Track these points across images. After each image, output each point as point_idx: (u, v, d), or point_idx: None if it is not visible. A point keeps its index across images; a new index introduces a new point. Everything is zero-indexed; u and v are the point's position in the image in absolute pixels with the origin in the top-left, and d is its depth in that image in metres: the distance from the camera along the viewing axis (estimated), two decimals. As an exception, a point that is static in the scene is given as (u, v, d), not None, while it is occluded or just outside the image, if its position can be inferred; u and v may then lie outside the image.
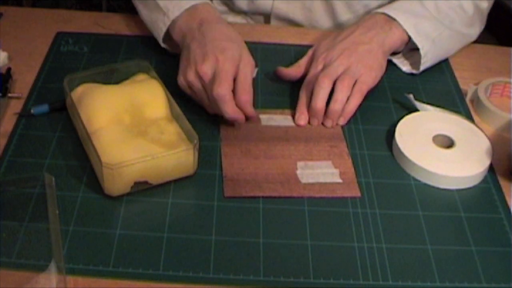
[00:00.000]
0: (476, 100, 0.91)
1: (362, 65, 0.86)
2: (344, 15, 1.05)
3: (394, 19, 0.90)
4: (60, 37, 0.98)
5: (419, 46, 0.91)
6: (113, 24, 1.03)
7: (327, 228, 0.72)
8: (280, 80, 0.92)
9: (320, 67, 0.87)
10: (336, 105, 0.84)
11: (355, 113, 0.85)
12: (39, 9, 1.09)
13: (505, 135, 0.86)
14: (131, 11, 1.03)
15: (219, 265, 0.67)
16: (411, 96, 0.88)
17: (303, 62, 0.92)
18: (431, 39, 0.92)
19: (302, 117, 0.85)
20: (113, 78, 0.85)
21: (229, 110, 0.79)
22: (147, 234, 0.69)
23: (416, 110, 0.87)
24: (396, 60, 0.97)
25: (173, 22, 0.89)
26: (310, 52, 0.92)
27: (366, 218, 0.73)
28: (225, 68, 0.79)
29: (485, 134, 0.83)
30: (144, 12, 0.95)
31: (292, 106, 0.88)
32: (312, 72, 0.87)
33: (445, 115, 0.86)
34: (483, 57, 1.03)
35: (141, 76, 0.85)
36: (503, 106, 0.89)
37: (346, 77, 0.84)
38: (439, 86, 0.95)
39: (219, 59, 0.79)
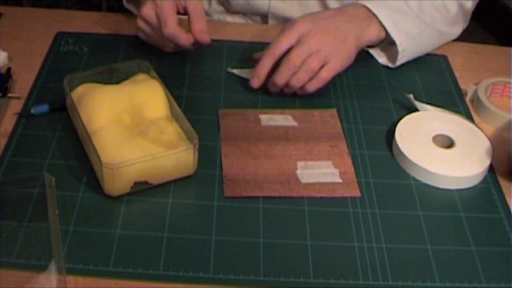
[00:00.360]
0: (476, 100, 0.91)
1: (334, 52, 0.86)
2: None
3: (374, 14, 0.91)
4: (60, 37, 0.98)
5: (397, 42, 0.92)
6: (113, 24, 1.03)
7: (327, 228, 0.72)
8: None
9: (294, 36, 0.86)
10: (296, 84, 0.86)
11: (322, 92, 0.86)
12: (39, 9, 1.09)
13: (505, 135, 0.86)
14: (131, 11, 1.03)
15: (219, 265, 0.67)
16: (411, 96, 0.88)
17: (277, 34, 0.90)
18: (411, 36, 0.93)
19: (256, 81, 0.88)
20: (113, 78, 0.85)
21: (184, 42, 0.88)
22: (147, 234, 0.69)
23: (416, 110, 0.87)
24: (373, 51, 0.98)
25: None
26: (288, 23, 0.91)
27: (366, 218, 0.73)
28: (164, 7, 0.86)
29: (485, 134, 0.83)
30: None
31: (293, 106, 0.88)
32: (283, 41, 0.86)
33: (445, 115, 0.86)
34: (483, 57, 1.03)
35: (141, 76, 0.85)
36: (503, 106, 0.89)
37: (316, 60, 0.85)
38: (439, 86, 0.95)
39: (156, 1, 0.86)
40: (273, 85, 0.87)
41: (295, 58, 0.85)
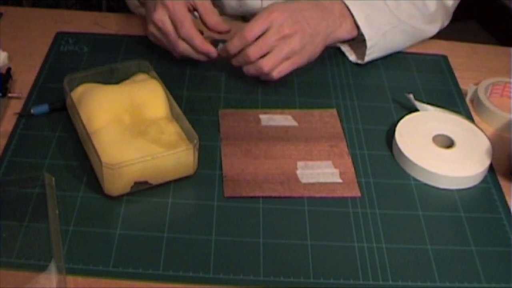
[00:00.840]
0: (476, 100, 0.91)
1: (300, 49, 0.86)
2: None
3: (348, 8, 0.90)
4: (60, 37, 0.98)
5: (367, 37, 0.91)
6: (113, 24, 1.03)
7: (327, 228, 0.72)
8: (281, 80, 0.92)
9: (266, 23, 0.85)
10: (253, 69, 0.87)
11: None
12: (39, 9, 1.09)
13: (505, 135, 0.86)
14: (131, 11, 1.03)
15: (219, 265, 0.67)
16: (411, 96, 0.88)
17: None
18: (382, 32, 0.92)
19: (223, 53, 0.88)
20: (113, 78, 0.85)
21: (199, 43, 0.86)
22: (147, 234, 0.69)
23: (416, 110, 0.87)
24: (344, 48, 0.97)
25: None
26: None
27: (366, 218, 0.73)
28: (177, 9, 0.85)
29: (485, 134, 0.83)
30: None
31: (293, 106, 0.88)
32: (256, 26, 0.85)
33: (445, 115, 0.86)
34: (483, 57, 1.03)
35: (141, 76, 0.85)
36: (503, 106, 0.89)
37: (279, 54, 0.85)
38: (439, 86, 0.95)
39: (168, 4, 0.85)
40: (224, 51, 0.88)
41: (252, 53, 0.85)
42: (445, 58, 1.01)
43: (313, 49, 0.88)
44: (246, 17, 1.08)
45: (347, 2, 0.91)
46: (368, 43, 0.92)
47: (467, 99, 0.92)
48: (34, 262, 0.65)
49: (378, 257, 0.69)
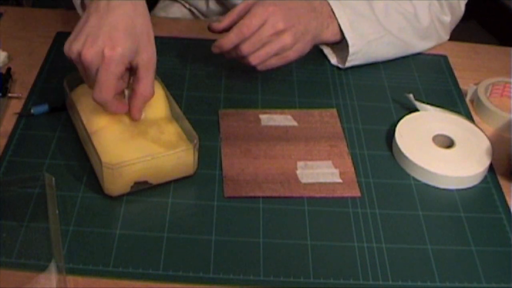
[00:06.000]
0: (476, 100, 0.91)
1: (291, 46, 0.86)
2: None
3: (334, 13, 0.90)
4: (60, 37, 0.98)
5: (350, 43, 0.91)
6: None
7: (327, 228, 0.72)
8: (281, 80, 0.92)
9: (263, 16, 0.84)
10: (251, 63, 0.86)
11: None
12: (39, 9, 1.08)
13: (505, 135, 0.86)
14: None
15: (219, 265, 0.67)
16: (411, 96, 0.88)
17: (237, 11, 0.88)
18: (367, 40, 0.92)
19: (217, 50, 0.87)
20: (113, 78, 0.84)
21: (112, 110, 0.74)
22: (147, 234, 0.69)
23: (416, 110, 0.87)
24: (326, 51, 0.97)
25: None
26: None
27: (366, 218, 0.73)
28: (109, 71, 0.70)
29: (485, 134, 0.83)
30: None
31: (293, 106, 0.88)
32: (254, 21, 0.84)
33: (445, 115, 0.86)
34: (483, 57, 1.03)
35: (141, 76, 0.85)
36: (503, 106, 0.89)
37: (271, 48, 0.85)
38: (439, 86, 0.95)
39: (105, 55, 0.70)
40: (217, 47, 0.87)
41: (245, 49, 0.84)
42: (445, 58, 1.01)
43: (303, 47, 0.88)
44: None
45: (333, 7, 0.90)
46: (351, 49, 0.91)
47: (467, 99, 0.92)
48: (34, 262, 0.65)
49: (378, 257, 0.69)
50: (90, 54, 0.70)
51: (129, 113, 0.76)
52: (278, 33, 0.84)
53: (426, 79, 0.96)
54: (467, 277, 0.67)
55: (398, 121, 0.84)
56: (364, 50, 0.93)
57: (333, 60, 0.97)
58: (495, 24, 2.31)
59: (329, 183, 0.77)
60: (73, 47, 0.72)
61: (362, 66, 0.96)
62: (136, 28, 0.73)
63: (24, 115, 0.83)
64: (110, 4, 0.73)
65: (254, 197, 0.74)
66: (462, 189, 0.78)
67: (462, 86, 0.95)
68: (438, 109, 0.88)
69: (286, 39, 0.85)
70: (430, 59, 1.00)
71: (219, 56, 0.89)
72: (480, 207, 0.76)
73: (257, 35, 0.84)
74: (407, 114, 0.86)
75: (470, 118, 0.89)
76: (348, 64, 0.94)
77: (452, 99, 0.92)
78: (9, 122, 0.82)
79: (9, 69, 0.89)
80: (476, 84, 0.92)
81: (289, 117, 0.86)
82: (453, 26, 1.03)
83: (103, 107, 0.74)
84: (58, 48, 0.96)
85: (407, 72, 0.97)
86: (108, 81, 0.71)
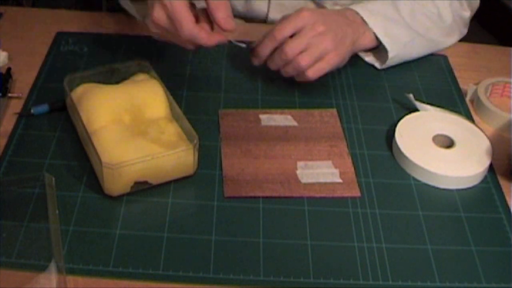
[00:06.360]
0: (476, 100, 0.91)
1: (333, 48, 0.86)
2: None
3: (366, 23, 0.91)
4: (60, 37, 0.98)
5: (388, 48, 0.92)
6: (113, 24, 1.03)
7: (327, 228, 0.72)
8: (281, 80, 0.92)
9: (299, 23, 0.85)
10: (285, 75, 0.87)
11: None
12: (39, 9, 1.09)
13: (505, 135, 0.86)
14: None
15: (219, 265, 0.67)
16: (411, 96, 0.88)
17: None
18: (403, 43, 0.93)
19: (257, 61, 0.88)
20: (113, 78, 0.85)
21: (206, 41, 0.79)
22: (147, 234, 0.69)
23: (416, 110, 0.87)
24: (368, 59, 0.98)
25: None
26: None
27: (366, 218, 0.73)
28: (175, 6, 0.77)
29: (485, 134, 0.83)
30: None
31: (293, 106, 0.88)
32: (287, 26, 0.85)
33: (445, 115, 0.86)
34: (483, 57, 1.03)
35: (141, 76, 0.85)
36: (503, 106, 0.89)
37: (307, 58, 0.85)
38: (439, 86, 0.95)
39: (165, 2, 0.77)
40: (256, 58, 0.88)
41: (289, 50, 0.84)
42: (445, 58, 1.01)
43: (344, 51, 0.88)
44: (247, 17, 1.08)
45: (364, 17, 0.92)
46: (390, 54, 0.93)
47: (467, 99, 0.92)
48: (34, 262, 0.65)
49: (378, 257, 0.69)
50: (156, 15, 0.79)
51: (219, 30, 0.80)
52: (319, 35, 0.85)
53: (426, 79, 0.96)
54: (467, 277, 0.67)
55: (398, 121, 0.84)
56: (401, 53, 0.94)
57: (368, 58, 0.98)
58: (495, 24, 2.31)
59: (329, 183, 0.77)
60: (150, 28, 0.82)
61: (362, 66, 0.96)
62: None
63: (24, 115, 0.83)
64: None
65: (254, 197, 0.74)
66: (462, 189, 0.78)
67: (462, 86, 0.95)
68: (438, 109, 0.88)
69: (327, 40, 0.85)
70: (430, 59, 1.00)
71: (219, 56, 0.89)
72: (480, 207, 0.76)
73: (299, 35, 0.85)
74: (407, 114, 0.86)
75: (470, 118, 0.89)
76: (384, 67, 0.96)
77: (452, 99, 0.92)
78: (9, 122, 0.82)
79: (9, 69, 0.89)
80: (476, 84, 0.92)
81: (289, 117, 0.86)
82: (470, 18, 1.05)
83: (197, 42, 0.79)
84: (58, 48, 0.96)
85: (407, 72, 0.97)
86: (179, 13, 0.77)
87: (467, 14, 1.03)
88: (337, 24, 0.88)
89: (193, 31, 0.78)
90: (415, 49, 0.97)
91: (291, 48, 0.84)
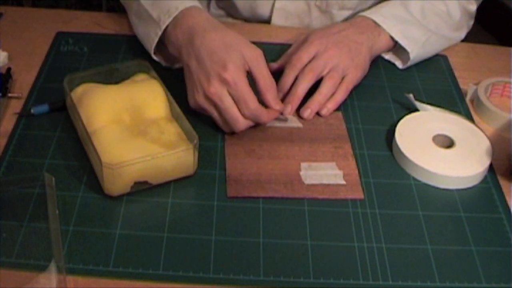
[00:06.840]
0: (476, 100, 0.91)
1: (352, 63, 0.87)
2: None
3: (381, 27, 0.92)
4: (60, 37, 0.98)
5: (409, 50, 0.93)
6: (113, 24, 1.03)
7: (327, 228, 0.72)
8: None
9: (312, 50, 0.87)
10: (320, 97, 0.86)
11: (338, 107, 0.87)
12: (39, 9, 1.09)
13: (505, 135, 0.86)
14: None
15: (219, 265, 0.67)
16: (411, 96, 0.88)
17: (293, 50, 0.92)
18: (421, 43, 0.94)
19: (288, 109, 0.85)
20: (113, 78, 0.85)
21: (266, 120, 0.80)
22: (147, 234, 0.69)
23: (416, 110, 0.87)
24: (387, 56, 0.98)
25: (167, 33, 0.86)
26: (301, 38, 0.92)
27: (366, 218, 0.73)
28: (239, 85, 0.76)
29: (485, 134, 0.83)
30: (139, 26, 0.93)
31: (298, 108, 0.88)
32: (303, 54, 0.87)
33: (445, 115, 0.86)
34: (483, 57, 1.03)
35: (141, 76, 0.85)
36: (503, 106, 0.90)
37: (335, 74, 0.86)
38: (439, 86, 0.95)
39: (225, 78, 0.76)
40: (292, 99, 0.85)
41: (310, 73, 0.85)
42: (445, 58, 1.01)
43: (363, 60, 0.89)
44: (251, 21, 1.08)
45: (378, 22, 0.92)
46: (411, 55, 0.94)
47: (467, 99, 0.92)
48: (34, 262, 0.65)
49: (378, 257, 0.69)
50: (213, 88, 0.77)
51: (273, 110, 0.81)
52: (333, 56, 0.86)
53: (426, 79, 0.96)
54: (467, 277, 0.67)
55: (398, 121, 0.84)
56: (421, 52, 0.95)
57: (388, 55, 0.98)
58: (495, 24, 2.31)
59: (332, 185, 0.76)
60: (197, 99, 0.79)
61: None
62: (228, 42, 0.79)
63: (24, 115, 0.83)
64: (196, 43, 0.79)
65: (257, 197, 0.74)
66: (462, 189, 0.78)
67: (462, 86, 0.95)
68: (438, 109, 0.88)
69: (343, 58, 0.86)
70: (430, 59, 1.00)
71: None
72: (480, 207, 0.76)
73: (317, 60, 0.86)
74: (407, 114, 0.86)
75: (470, 118, 0.89)
76: (405, 66, 0.97)
77: (452, 99, 0.92)
78: (9, 122, 0.82)
79: (9, 69, 0.89)
80: (476, 84, 0.92)
81: (294, 118, 0.86)
82: (474, 14, 1.06)
83: (257, 120, 0.80)
84: (58, 48, 0.96)
85: (407, 72, 0.97)
86: (245, 91, 0.77)
87: (473, 7, 1.04)
88: (348, 38, 0.89)
89: (258, 111, 0.78)
90: (432, 47, 0.98)
91: (317, 65, 0.86)
